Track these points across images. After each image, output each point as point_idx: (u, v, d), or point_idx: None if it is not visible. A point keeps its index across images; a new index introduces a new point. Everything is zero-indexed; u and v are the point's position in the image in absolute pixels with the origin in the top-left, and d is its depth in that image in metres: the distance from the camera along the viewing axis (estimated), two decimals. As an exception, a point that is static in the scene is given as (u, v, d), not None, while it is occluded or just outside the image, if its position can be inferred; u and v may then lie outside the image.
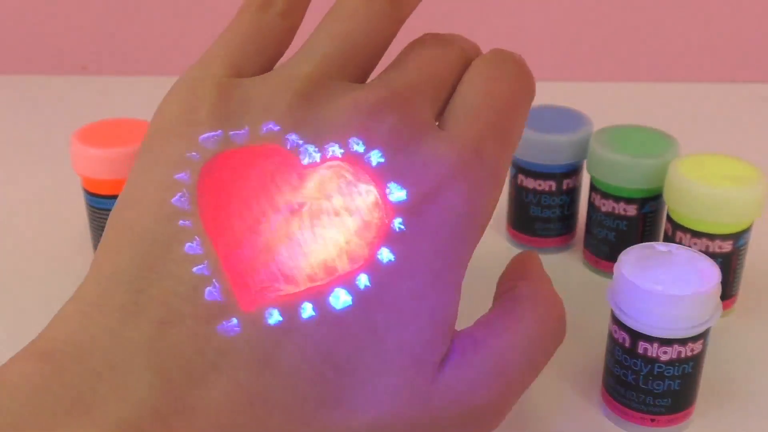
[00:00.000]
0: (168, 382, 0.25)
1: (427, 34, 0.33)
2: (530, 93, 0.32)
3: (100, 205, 0.47)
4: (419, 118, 0.29)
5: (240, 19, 0.31)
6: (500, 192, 0.30)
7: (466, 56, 0.32)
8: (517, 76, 0.31)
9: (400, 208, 0.28)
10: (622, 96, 0.71)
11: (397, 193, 0.28)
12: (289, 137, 0.28)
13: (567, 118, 0.49)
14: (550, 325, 0.31)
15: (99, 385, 0.25)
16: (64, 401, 0.24)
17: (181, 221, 0.27)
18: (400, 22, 0.32)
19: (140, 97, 0.70)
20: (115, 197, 0.46)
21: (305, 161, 0.28)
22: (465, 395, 0.28)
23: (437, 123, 0.31)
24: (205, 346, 0.26)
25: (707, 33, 0.74)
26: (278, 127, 0.28)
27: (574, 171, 0.48)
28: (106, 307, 0.26)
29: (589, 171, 0.47)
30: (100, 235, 0.47)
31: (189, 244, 0.27)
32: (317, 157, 0.28)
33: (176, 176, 0.28)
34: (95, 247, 0.48)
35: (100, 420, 0.24)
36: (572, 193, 0.49)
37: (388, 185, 0.28)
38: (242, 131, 0.28)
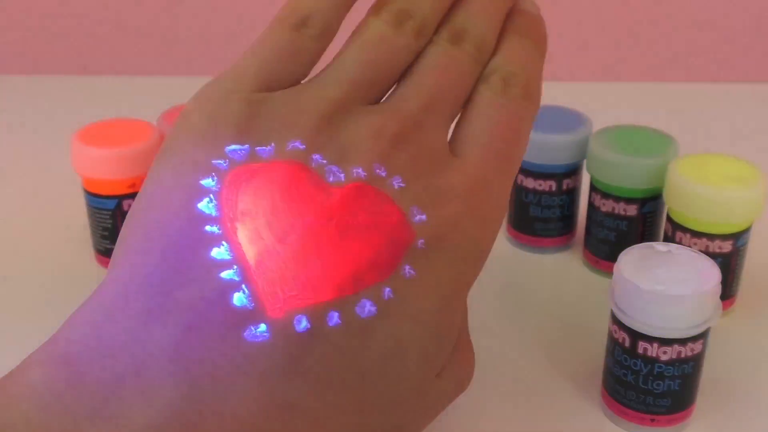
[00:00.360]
0: (194, 387, 0.25)
1: (441, 24, 0.33)
2: (533, 112, 0.33)
3: (100, 205, 0.47)
4: (434, 145, 0.31)
5: (273, 35, 0.31)
6: (505, 214, 0.32)
7: (480, 53, 0.33)
8: (521, 100, 0.32)
9: (421, 230, 0.29)
10: (622, 96, 0.71)
11: (418, 216, 0.29)
12: (314, 157, 0.29)
13: (567, 118, 0.49)
14: None
15: (123, 391, 0.24)
16: (87, 408, 0.24)
17: (207, 226, 0.27)
18: (421, 48, 0.33)
19: (140, 97, 0.70)
20: (114, 197, 0.46)
21: (330, 180, 0.29)
22: (453, 377, 0.31)
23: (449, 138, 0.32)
24: (233, 353, 0.26)
25: (707, 33, 0.74)
26: (303, 146, 0.29)
27: (574, 171, 0.48)
28: (131, 310, 0.26)
29: (589, 171, 0.47)
30: (100, 235, 0.47)
31: (216, 249, 0.27)
32: (341, 177, 0.29)
33: (202, 181, 0.28)
34: (95, 247, 0.48)
35: (125, 426, 0.24)
36: (572, 193, 0.49)
37: (410, 208, 0.29)
38: (268, 147, 0.29)
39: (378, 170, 0.29)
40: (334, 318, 0.27)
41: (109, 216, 0.47)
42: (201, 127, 0.29)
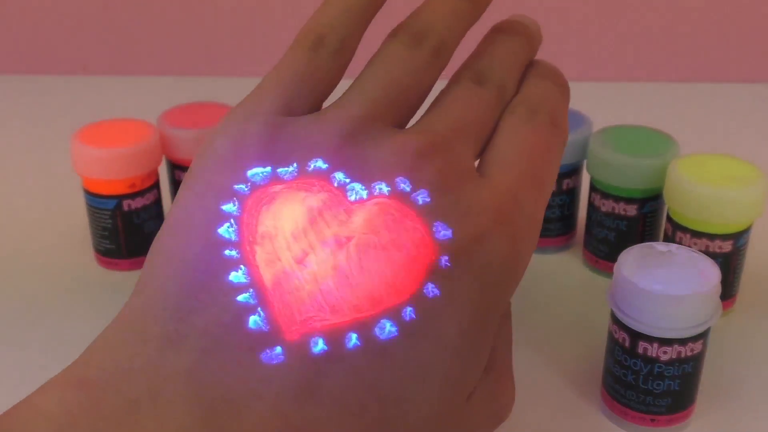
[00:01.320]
0: (209, 411, 0.25)
1: (465, 68, 0.33)
2: (562, 140, 0.33)
3: (100, 205, 0.47)
4: (462, 162, 0.30)
5: (292, 57, 0.31)
6: (538, 235, 0.31)
7: (503, 94, 0.33)
8: (548, 127, 0.32)
9: (445, 247, 0.28)
10: (622, 96, 0.71)
11: (443, 232, 0.28)
12: (336, 175, 0.29)
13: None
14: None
15: (139, 415, 0.25)
16: None
17: (226, 251, 0.27)
18: (442, 69, 0.32)
19: (140, 97, 0.70)
20: (114, 197, 0.46)
21: (352, 197, 0.28)
22: (489, 404, 0.30)
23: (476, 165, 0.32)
24: (248, 375, 0.26)
25: (707, 33, 0.74)
26: (326, 165, 0.29)
27: (574, 171, 0.48)
28: (148, 334, 0.26)
29: (589, 171, 0.47)
30: (100, 235, 0.47)
31: (234, 273, 0.27)
32: (364, 194, 0.28)
33: (223, 206, 0.28)
34: (95, 247, 0.48)
35: None
36: (572, 193, 0.49)
37: (434, 224, 0.28)
38: (290, 168, 0.29)
39: (402, 184, 0.28)
40: (353, 339, 0.27)
41: (108, 216, 0.47)
42: (223, 151, 0.29)
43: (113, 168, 0.45)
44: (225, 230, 0.28)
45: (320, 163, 0.29)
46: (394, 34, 0.32)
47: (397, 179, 0.28)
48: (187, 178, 0.30)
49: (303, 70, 0.31)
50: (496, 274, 0.28)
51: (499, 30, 0.35)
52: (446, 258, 0.28)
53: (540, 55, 0.36)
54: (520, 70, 0.34)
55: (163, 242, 0.28)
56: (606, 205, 0.46)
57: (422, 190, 0.28)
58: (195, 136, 0.48)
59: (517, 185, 0.30)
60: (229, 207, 0.28)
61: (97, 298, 0.46)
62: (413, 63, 0.31)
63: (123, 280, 0.47)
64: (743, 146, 0.62)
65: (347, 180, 0.29)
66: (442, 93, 0.32)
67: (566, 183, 0.48)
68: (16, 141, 0.65)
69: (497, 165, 0.30)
